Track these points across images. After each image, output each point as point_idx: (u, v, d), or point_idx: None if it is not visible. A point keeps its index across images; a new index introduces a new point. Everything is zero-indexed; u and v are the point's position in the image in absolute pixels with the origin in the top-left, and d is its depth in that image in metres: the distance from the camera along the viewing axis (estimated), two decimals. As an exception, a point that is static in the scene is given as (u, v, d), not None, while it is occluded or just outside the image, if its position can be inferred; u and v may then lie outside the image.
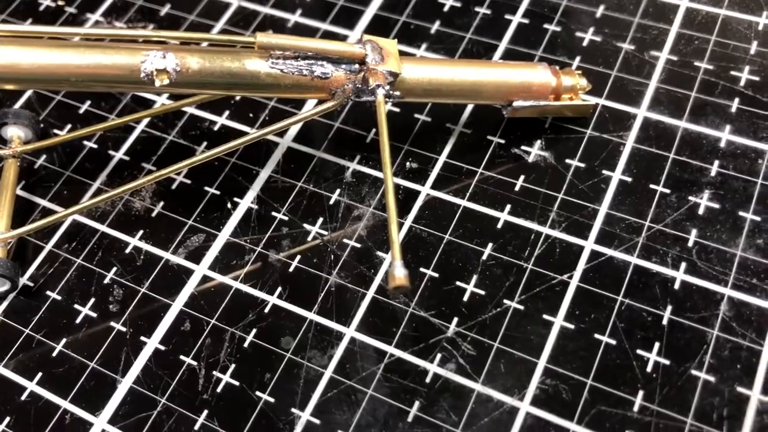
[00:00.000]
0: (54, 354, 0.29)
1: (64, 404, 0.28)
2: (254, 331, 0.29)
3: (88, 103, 0.36)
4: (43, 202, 0.33)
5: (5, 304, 0.31)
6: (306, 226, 0.31)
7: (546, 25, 0.35)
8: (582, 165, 0.31)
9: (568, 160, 0.31)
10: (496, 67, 0.30)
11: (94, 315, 0.30)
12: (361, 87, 0.28)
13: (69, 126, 0.35)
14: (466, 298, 0.28)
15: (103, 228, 0.32)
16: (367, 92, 0.28)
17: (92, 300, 0.30)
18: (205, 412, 0.27)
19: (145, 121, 0.35)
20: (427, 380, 0.27)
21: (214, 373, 0.28)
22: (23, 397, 0.28)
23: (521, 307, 0.28)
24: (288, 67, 0.27)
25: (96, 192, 0.33)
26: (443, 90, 0.29)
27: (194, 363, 0.28)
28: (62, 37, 0.27)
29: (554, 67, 0.30)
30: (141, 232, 0.32)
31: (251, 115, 0.34)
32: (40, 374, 0.29)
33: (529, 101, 0.30)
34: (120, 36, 0.27)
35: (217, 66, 0.27)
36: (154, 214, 0.32)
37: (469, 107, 0.33)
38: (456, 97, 0.30)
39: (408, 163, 0.32)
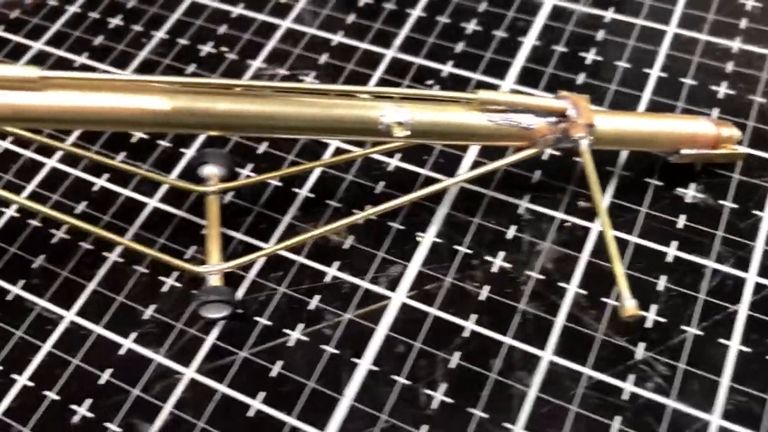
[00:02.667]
0: (273, 374, 0.32)
1: (291, 421, 0.31)
2: (458, 353, 0.32)
3: (266, 144, 0.39)
4: (238, 235, 0.36)
5: (218, 328, 0.34)
6: (489, 258, 0.34)
7: (682, 79, 0.39)
8: (736, 206, 0.35)
9: (721, 201, 0.35)
10: (669, 119, 0.34)
11: (306, 339, 0.33)
12: (559, 137, 0.31)
13: (252, 165, 0.38)
14: (650, 324, 0.32)
15: (300, 259, 0.35)
16: (563, 141, 0.32)
17: (301, 325, 0.33)
18: (426, 426, 0.30)
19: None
20: (625, 397, 0.30)
21: (428, 391, 0.31)
22: (250, 414, 0.31)
23: (701, 333, 0.32)
24: (501, 120, 0.31)
25: (288, 226, 0.36)
26: (626, 140, 0.33)
27: (408, 382, 0.31)
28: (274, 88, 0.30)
29: (716, 120, 0.34)
30: (338, 263, 0.35)
31: (425, 157, 0.38)
32: (263, 393, 0.32)
33: (694, 150, 0.34)
34: (341, 91, 0.31)
35: (443, 118, 0.30)
36: (346, 246, 0.35)
37: (624, 152, 0.37)
38: (635, 146, 0.33)
39: (579, 203, 0.35)
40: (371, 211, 0.33)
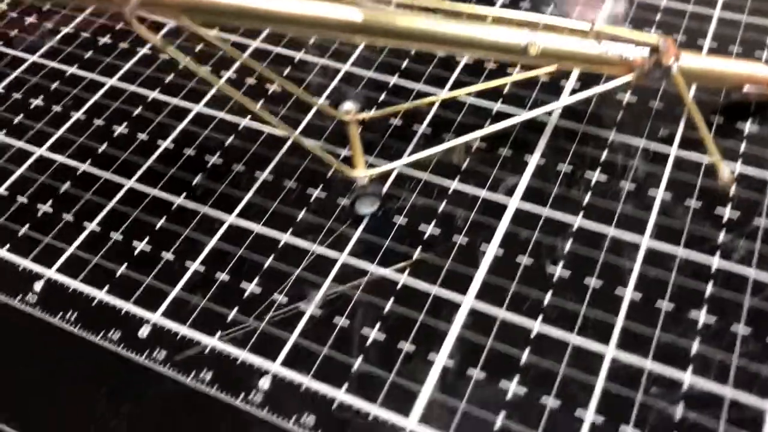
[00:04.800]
0: (398, 287, 0.38)
1: (434, 289, 0.37)
2: (570, 240, 0.38)
3: (385, 93, 0.46)
4: (371, 159, 0.43)
5: (362, 225, 0.40)
6: (589, 172, 0.41)
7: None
8: (788, 135, 0.43)
9: (774, 133, 0.43)
10: (743, 62, 0.41)
11: (438, 231, 0.39)
12: (652, 67, 0.39)
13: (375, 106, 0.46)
14: (726, 219, 0.39)
15: (426, 175, 0.42)
16: (656, 71, 0.39)
17: (435, 221, 0.40)
18: (550, 293, 0.37)
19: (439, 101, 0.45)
20: (714, 269, 0.37)
21: (551, 267, 0.37)
22: (398, 288, 0.37)
23: (771, 223, 0.39)
24: (609, 48, 0.38)
25: (413, 152, 0.43)
26: (706, 75, 0.41)
27: (531, 260, 0.38)
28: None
29: (768, 66, 0.42)
30: (458, 176, 0.42)
31: (526, 100, 0.45)
32: (407, 273, 0.38)
33: (753, 88, 0.42)
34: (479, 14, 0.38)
35: (560, 44, 0.38)
36: (463, 167, 0.42)
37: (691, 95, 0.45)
38: (710, 82, 0.41)
39: (661, 130, 0.43)
40: (486, 131, 0.40)
